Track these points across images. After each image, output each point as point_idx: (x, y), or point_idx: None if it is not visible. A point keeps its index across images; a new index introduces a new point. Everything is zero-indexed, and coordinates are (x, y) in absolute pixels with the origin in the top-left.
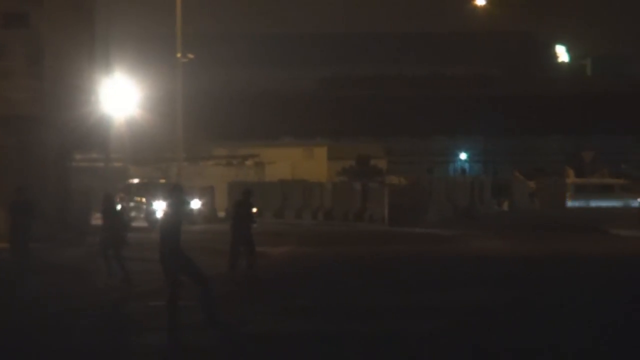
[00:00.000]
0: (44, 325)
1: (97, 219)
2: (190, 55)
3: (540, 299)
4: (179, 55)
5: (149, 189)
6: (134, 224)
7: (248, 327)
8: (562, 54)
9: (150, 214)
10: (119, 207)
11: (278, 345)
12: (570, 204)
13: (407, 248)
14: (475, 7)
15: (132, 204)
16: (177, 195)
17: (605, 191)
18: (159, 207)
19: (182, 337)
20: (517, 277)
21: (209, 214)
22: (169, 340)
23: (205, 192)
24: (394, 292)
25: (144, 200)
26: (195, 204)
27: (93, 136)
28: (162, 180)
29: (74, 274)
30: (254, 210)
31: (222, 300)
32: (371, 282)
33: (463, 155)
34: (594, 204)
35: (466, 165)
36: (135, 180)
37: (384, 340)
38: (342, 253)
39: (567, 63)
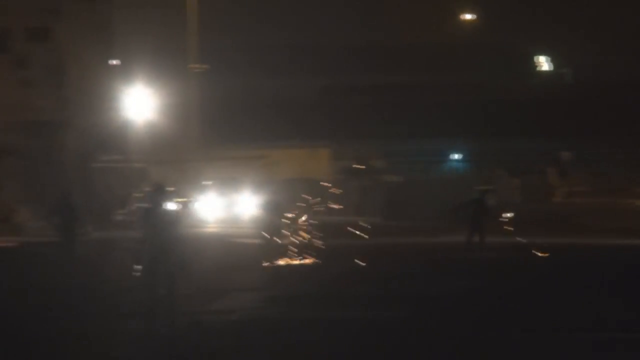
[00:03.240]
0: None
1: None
2: (205, 66)
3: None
4: (192, 65)
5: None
6: None
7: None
8: (543, 63)
9: None
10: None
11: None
12: None
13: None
14: (465, 21)
15: None
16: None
17: None
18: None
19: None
20: None
21: None
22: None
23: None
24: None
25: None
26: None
27: (113, 139)
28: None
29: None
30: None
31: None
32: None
33: (456, 156)
34: None
35: (459, 165)
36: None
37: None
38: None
39: (548, 71)
